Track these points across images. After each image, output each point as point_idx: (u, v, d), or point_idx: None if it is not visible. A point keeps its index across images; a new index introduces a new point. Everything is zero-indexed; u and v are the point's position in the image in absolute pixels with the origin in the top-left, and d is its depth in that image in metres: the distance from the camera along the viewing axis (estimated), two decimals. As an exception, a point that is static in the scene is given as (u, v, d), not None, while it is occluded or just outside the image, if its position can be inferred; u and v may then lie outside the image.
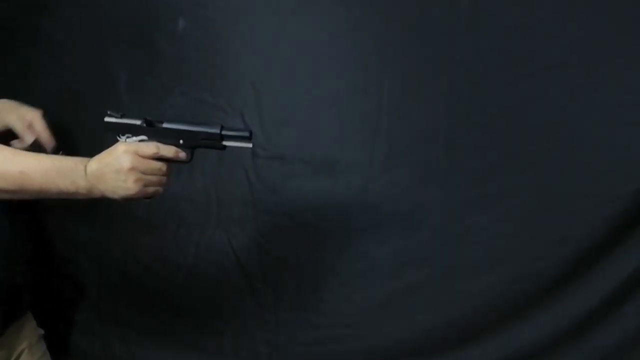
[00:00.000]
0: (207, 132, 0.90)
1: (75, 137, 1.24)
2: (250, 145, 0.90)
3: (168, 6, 1.17)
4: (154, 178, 0.87)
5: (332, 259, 1.16)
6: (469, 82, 1.06)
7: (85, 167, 0.86)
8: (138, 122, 0.89)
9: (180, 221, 1.24)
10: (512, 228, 1.08)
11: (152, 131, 0.89)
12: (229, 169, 1.19)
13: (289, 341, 1.20)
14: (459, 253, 1.10)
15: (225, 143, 0.90)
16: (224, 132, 0.89)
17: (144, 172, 0.86)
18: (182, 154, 0.90)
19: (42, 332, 1.17)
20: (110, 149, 0.88)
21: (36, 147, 1.13)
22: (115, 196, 0.87)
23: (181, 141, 0.90)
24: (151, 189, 0.88)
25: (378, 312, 1.15)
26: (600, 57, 1.01)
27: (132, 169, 0.85)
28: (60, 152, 1.09)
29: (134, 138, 0.89)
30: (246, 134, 0.90)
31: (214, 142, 0.90)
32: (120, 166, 0.85)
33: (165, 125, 0.90)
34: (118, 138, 0.90)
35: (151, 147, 0.87)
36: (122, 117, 0.90)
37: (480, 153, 1.07)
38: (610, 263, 1.04)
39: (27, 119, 1.13)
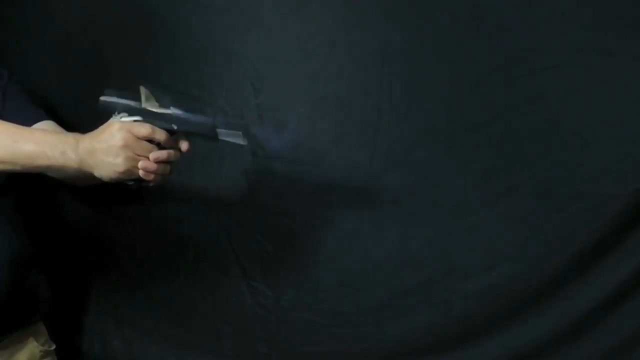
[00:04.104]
0: (200, 122, 0.88)
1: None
2: (243, 142, 0.88)
3: (169, 5, 1.17)
4: (148, 163, 0.86)
5: (332, 259, 1.16)
6: (469, 82, 1.06)
7: (78, 141, 0.87)
8: (133, 104, 0.88)
9: (181, 221, 1.24)
10: (512, 228, 1.08)
11: (148, 113, 0.88)
12: (228, 169, 1.18)
13: (289, 341, 1.20)
14: (459, 253, 1.10)
15: (220, 137, 0.88)
16: (216, 123, 0.88)
17: (135, 152, 0.86)
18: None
19: (51, 347, 1.15)
20: (104, 126, 0.87)
21: None
22: (103, 173, 0.87)
23: (175, 126, 0.88)
24: (138, 172, 0.86)
25: (378, 312, 1.15)
26: (600, 57, 1.00)
27: (124, 146, 0.85)
28: None
29: (129, 118, 0.88)
30: (239, 132, 0.88)
31: (208, 133, 0.88)
32: (113, 142, 0.85)
33: (160, 110, 0.88)
34: (113, 116, 0.88)
35: (146, 128, 0.86)
36: (119, 97, 0.89)
37: (480, 153, 1.07)
38: (610, 263, 1.04)
39: None
